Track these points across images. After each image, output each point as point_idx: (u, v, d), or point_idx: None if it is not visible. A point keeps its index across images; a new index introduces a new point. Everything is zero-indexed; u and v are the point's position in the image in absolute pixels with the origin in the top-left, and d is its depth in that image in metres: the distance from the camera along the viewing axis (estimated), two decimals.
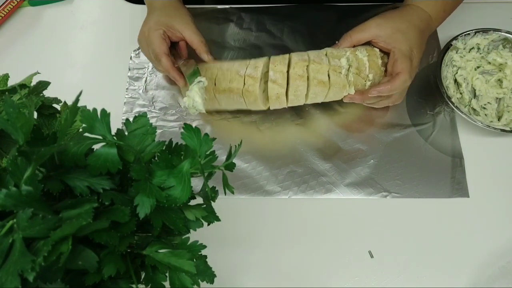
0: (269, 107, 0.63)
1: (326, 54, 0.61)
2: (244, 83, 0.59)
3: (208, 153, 0.38)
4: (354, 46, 0.63)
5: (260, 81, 0.59)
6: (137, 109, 0.70)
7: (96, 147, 0.36)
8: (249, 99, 0.60)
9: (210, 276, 0.39)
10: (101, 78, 0.74)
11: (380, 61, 0.62)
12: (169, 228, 0.38)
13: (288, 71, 0.59)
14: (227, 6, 0.80)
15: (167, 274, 0.38)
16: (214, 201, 0.42)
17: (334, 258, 0.59)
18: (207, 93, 0.60)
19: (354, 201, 0.62)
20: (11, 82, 0.47)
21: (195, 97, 0.57)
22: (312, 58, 0.60)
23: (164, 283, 0.38)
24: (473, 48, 0.70)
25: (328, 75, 0.59)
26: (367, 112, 0.68)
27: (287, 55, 0.61)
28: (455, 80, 0.69)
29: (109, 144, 0.35)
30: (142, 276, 0.38)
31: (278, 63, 0.59)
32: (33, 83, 0.47)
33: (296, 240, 0.60)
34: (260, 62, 0.60)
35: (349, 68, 0.60)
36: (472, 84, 0.69)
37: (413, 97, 0.70)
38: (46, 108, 0.45)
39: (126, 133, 0.37)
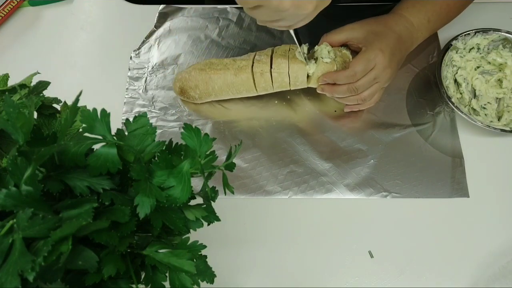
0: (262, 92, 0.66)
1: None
2: (238, 65, 0.65)
3: (208, 153, 0.38)
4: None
5: (253, 65, 0.64)
6: (137, 109, 0.70)
7: (96, 147, 0.36)
8: (242, 76, 0.64)
9: (210, 276, 0.39)
10: (101, 78, 0.74)
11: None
12: (169, 228, 0.38)
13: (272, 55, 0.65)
14: (227, 6, 0.80)
15: (167, 274, 0.38)
16: (214, 201, 0.42)
17: (334, 258, 0.59)
18: (203, 75, 0.65)
19: (354, 201, 0.62)
20: (11, 82, 0.47)
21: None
22: (292, 46, 0.65)
23: (164, 283, 0.38)
24: (473, 48, 0.70)
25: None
26: (366, 111, 0.68)
27: (272, 47, 0.66)
28: (455, 80, 0.69)
29: (109, 144, 0.35)
30: (142, 276, 0.38)
31: (264, 51, 0.66)
32: (33, 83, 0.47)
33: (296, 240, 0.60)
34: (252, 53, 0.66)
35: (335, 58, 0.64)
36: (472, 84, 0.69)
37: (413, 97, 0.70)
38: (46, 108, 0.45)
39: (126, 133, 0.37)
